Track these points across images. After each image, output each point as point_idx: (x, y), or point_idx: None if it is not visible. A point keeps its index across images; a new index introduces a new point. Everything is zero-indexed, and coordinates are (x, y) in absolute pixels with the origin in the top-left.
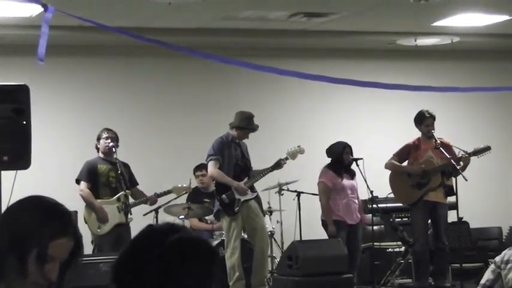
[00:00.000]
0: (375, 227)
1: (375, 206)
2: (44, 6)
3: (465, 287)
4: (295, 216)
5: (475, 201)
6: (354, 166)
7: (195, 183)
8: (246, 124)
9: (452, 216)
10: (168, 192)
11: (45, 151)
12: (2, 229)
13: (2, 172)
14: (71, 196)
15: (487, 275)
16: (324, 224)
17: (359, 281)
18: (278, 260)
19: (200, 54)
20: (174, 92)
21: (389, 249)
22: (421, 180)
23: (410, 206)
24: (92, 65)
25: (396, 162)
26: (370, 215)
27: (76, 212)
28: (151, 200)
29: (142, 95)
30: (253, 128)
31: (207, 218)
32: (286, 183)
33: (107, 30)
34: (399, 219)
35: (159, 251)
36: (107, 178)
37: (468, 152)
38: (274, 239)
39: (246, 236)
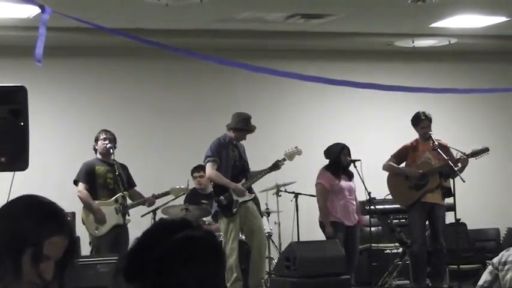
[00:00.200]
0: (373, 228)
1: (372, 207)
2: (41, 7)
3: None
4: (292, 218)
5: (473, 203)
6: (351, 167)
7: (192, 185)
8: (243, 125)
9: (449, 218)
10: (166, 193)
11: (43, 152)
12: None
13: (0, 173)
14: (69, 197)
15: (485, 277)
16: (322, 226)
17: (357, 282)
18: (276, 261)
19: (197, 56)
20: (172, 93)
21: (387, 251)
22: (418, 182)
23: (408, 207)
24: (90, 66)
25: (394, 164)
26: (368, 216)
27: (74, 213)
28: (149, 202)
29: (140, 96)
30: (251, 129)
31: (204, 219)
32: (284, 185)
33: (104, 31)
34: (397, 221)
35: (163, 248)
36: (104, 179)
37: (466, 153)
38: (272, 240)
39: (243, 237)
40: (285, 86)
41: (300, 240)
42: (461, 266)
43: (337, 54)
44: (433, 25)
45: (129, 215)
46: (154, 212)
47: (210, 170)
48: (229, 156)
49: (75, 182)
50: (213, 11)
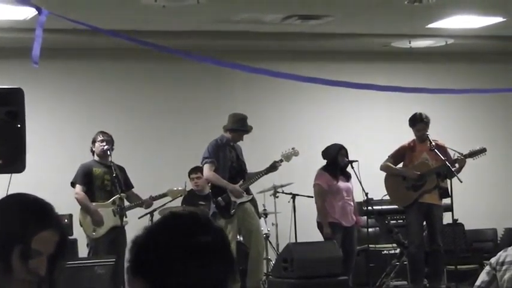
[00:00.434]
0: (370, 229)
1: (370, 208)
2: (38, 9)
3: None
4: (290, 219)
5: (470, 203)
6: (349, 168)
7: (190, 186)
8: (239, 126)
9: (447, 218)
10: (164, 195)
11: (40, 154)
12: None
13: None
14: (66, 199)
15: (482, 277)
16: (320, 226)
17: (354, 283)
18: (273, 262)
19: (195, 57)
20: (169, 95)
21: (385, 251)
22: (416, 182)
23: (405, 208)
24: (86, 68)
25: (391, 165)
26: (365, 217)
27: (71, 215)
28: (147, 203)
29: (137, 97)
30: (247, 129)
31: None
32: (281, 186)
33: (102, 33)
34: (394, 221)
35: (171, 248)
36: (102, 181)
37: (464, 153)
38: (270, 242)
39: (241, 239)
40: (282, 87)
41: (298, 241)
42: (458, 267)
43: (334, 55)
44: (429, 26)
45: (126, 217)
46: (151, 213)
47: (207, 171)
48: (226, 157)
49: (73, 184)
50: (210, 12)
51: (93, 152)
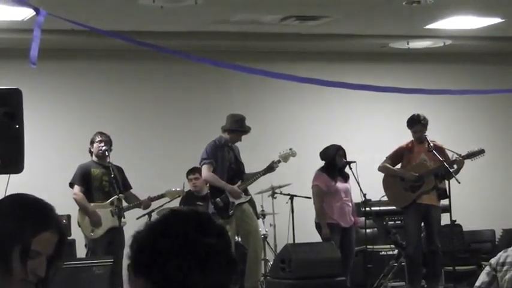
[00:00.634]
0: (368, 230)
1: (368, 209)
2: (36, 9)
3: None
4: (288, 220)
5: (468, 204)
6: (347, 169)
7: (188, 187)
8: (237, 126)
9: (445, 219)
10: (162, 196)
11: (39, 155)
12: None
13: None
14: (65, 200)
15: (482, 278)
16: (318, 227)
17: (352, 284)
18: (271, 263)
19: (193, 58)
20: (167, 96)
21: (383, 252)
22: (414, 183)
23: (403, 209)
24: (85, 68)
25: (389, 165)
26: (363, 218)
27: (69, 215)
28: (145, 204)
29: (135, 98)
30: (245, 130)
31: None
32: (279, 187)
33: (99, 33)
34: (392, 222)
35: (173, 249)
36: (100, 182)
37: (462, 155)
38: (268, 242)
39: (239, 240)
40: (280, 87)
41: (295, 242)
42: (456, 268)
43: (332, 56)
44: (428, 26)
45: (124, 218)
46: (149, 214)
47: (206, 172)
48: (224, 158)
49: (71, 185)
50: (208, 13)
51: (91, 153)
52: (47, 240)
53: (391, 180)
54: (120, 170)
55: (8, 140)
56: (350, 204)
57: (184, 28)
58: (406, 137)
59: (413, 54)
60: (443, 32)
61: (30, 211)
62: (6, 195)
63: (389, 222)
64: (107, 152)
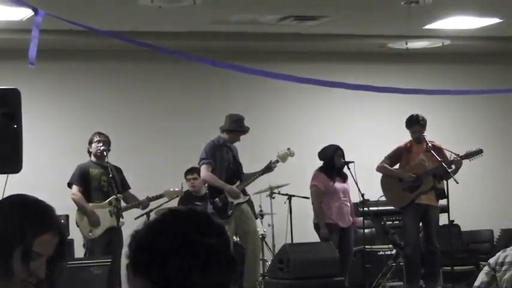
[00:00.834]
0: (366, 230)
1: (366, 209)
2: (34, 10)
3: None
4: (286, 220)
5: (467, 204)
6: (345, 169)
7: (186, 187)
8: (236, 126)
9: (443, 219)
10: (160, 196)
11: (37, 155)
12: None
13: None
14: (63, 200)
15: (481, 277)
16: (316, 227)
17: (350, 284)
18: (269, 263)
19: (191, 58)
20: (166, 96)
21: (381, 252)
22: (412, 183)
23: (401, 209)
24: (83, 68)
25: (388, 166)
26: (362, 218)
27: (68, 215)
28: (143, 204)
29: (134, 98)
30: (244, 130)
31: None
32: (278, 187)
33: (98, 33)
34: (390, 222)
35: (183, 252)
36: (98, 182)
37: (460, 155)
38: (266, 242)
39: (238, 240)
40: (278, 87)
41: (294, 242)
42: (455, 268)
43: (331, 56)
44: (426, 27)
45: (123, 218)
46: (148, 214)
47: (204, 172)
48: (223, 158)
49: (69, 185)
50: (206, 13)
51: (89, 153)
52: (47, 241)
53: (389, 180)
54: (118, 170)
55: (6, 140)
56: (348, 204)
57: (183, 28)
58: (404, 137)
59: (411, 55)
60: (441, 32)
61: (31, 212)
62: (6, 195)
63: (388, 222)
64: (105, 152)
